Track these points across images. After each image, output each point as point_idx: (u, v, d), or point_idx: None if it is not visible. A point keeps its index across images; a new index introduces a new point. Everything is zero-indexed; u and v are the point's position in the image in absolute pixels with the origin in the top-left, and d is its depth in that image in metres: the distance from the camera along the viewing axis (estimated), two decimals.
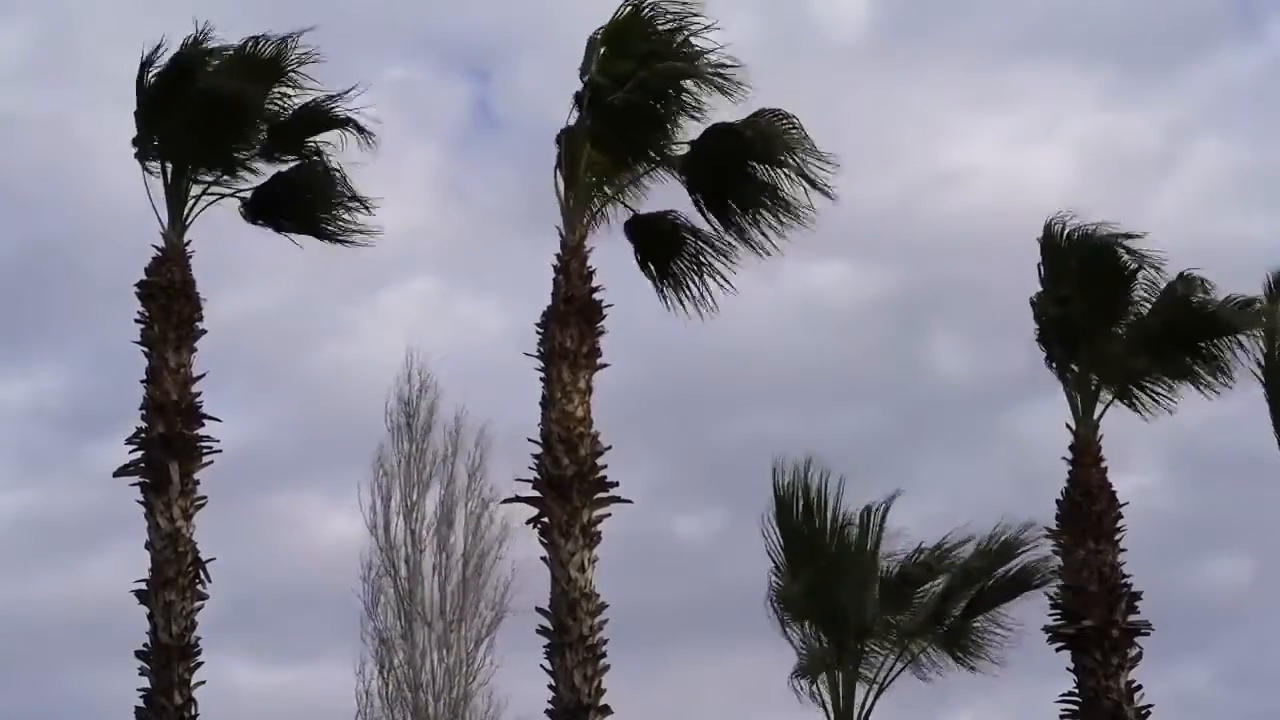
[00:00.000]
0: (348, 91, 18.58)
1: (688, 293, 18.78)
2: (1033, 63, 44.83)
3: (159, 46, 18.27)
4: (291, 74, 18.63)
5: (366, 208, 19.09)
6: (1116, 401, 19.54)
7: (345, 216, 19.24)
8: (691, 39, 17.83)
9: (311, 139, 19.01)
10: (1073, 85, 44.30)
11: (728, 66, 17.64)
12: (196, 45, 18.28)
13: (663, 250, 18.73)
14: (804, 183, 17.88)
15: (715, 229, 18.48)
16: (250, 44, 18.44)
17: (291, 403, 39.88)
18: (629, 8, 17.83)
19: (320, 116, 18.80)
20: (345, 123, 18.69)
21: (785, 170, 17.98)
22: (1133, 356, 19.54)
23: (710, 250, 18.61)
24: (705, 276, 18.71)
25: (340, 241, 19.39)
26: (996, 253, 36.03)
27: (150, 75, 18.34)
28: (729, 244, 18.47)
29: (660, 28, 17.87)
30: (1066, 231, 19.52)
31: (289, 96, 18.77)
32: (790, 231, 18.26)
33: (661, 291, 18.83)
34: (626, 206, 18.59)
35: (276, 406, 39.22)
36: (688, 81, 17.77)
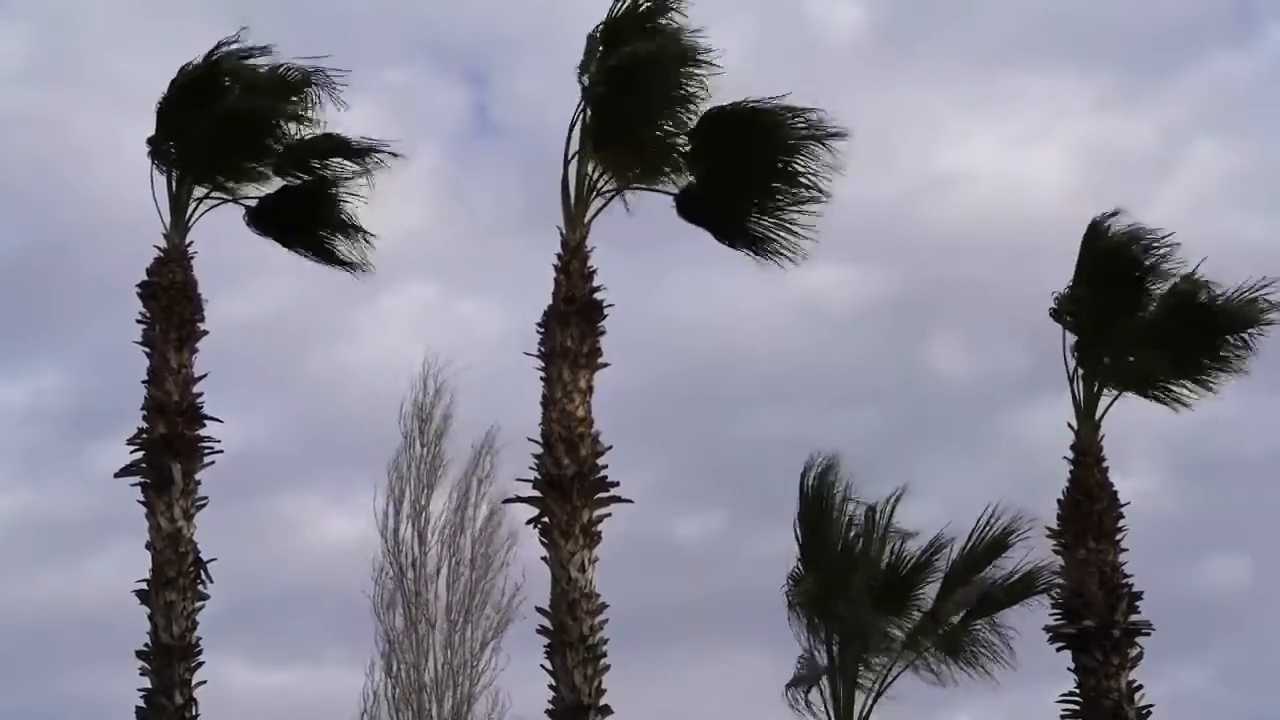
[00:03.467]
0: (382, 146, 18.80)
1: (771, 247, 18.45)
2: (1030, 66, 44.90)
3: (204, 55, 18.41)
4: (315, 100, 18.75)
5: (367, 238, 19.28)
6: (1121, 399, 19.56)
7: (345, 241, 19.33)
8: (682, 27, 17.82)
9: (327, 162, 19.11)
10: (1070, 88, 44.40)
11: (701, 47, 17.63)
12: (227, 57, 18.40)
13: (737, 216, 18.42)
14: (813, 155, 17.80)
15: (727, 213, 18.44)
16: (281, 67, 18.57)
17: (291, 405, 39.87)
18: (623, 5, 17.84)
19: (340, 145, 18.89)
20: (365, 153, 18.80)
21: (792, 146, 17.88)
22: (1139, 355, 19.56)
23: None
24: (778, 226, 18.38)
25: (337, 264, 19.46)
26: (995, 254, 36.17)
27: (179, 80, 18.41)
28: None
29: (656, 21, 17.84)
30: (1102, 229, 19.50)
31: (310, 119, 18.85)
32: (801, 214, 18.21)
33: (755, 255, 18.53)
34: (659, 191, 18.33)
35: (276, 409, 39.21)
36: (676, 67, 17.66)
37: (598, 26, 17.86)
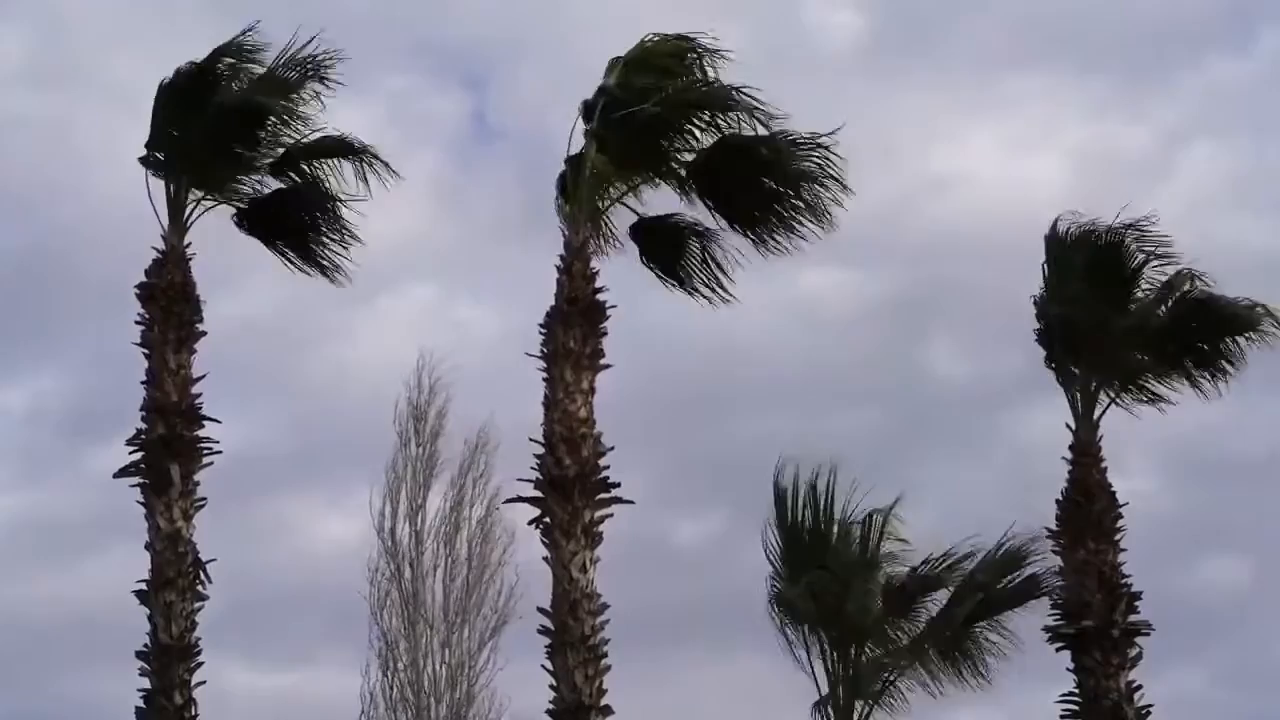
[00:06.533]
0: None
1: (693, 289, 18.93)
2: (1028, 69, 45.00)
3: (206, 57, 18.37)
4: (313, 96, 18.69)
5: (350, 245, 19.22)
6: (1117, 401, 19.57)
7: (333, 248, 19.27)
8: (710, 67, 18.00)
9: (323, 161, 19.07)
10: (1068, 91, 44.50)
11: (755, 92, 17.65)
12: (222, 57, 18.36)
13: (669, 251, 18.86)
14: (818, 196, 17.93)
15: (723, 230, 18.60)
16: (276, 63, 18.51)
17: (289, 407, 39.89)
18: (654, 37, 17.94)
19: (337, 144, 18.84)
20: (362, 153, 18.75)
21: (801, 187, 18.01)
22: (1135, 355, 19.57)
23: (717, 249, 18.76)
24: (712, 274, 18.85)
25: (323, 270, 19.38)
26: (994, 256, 36.19)
27: (173, 82, 18.34)
28: (735, 246, 18.64)
29: (683, 55, 17.99)
30: (1072, 230, 19.56)
31: (307, 117, 18.83)
32: (799, 240, 18.37)
33: (670, 287, 19.01)
34: (630, 209, 18.67)
35: (274, 410, 39.22)
36: (710, 109, 17.83)
37: (616, 57, 17.95)
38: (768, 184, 18.13)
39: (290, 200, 19.19)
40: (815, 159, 17.77)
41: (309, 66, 18.49)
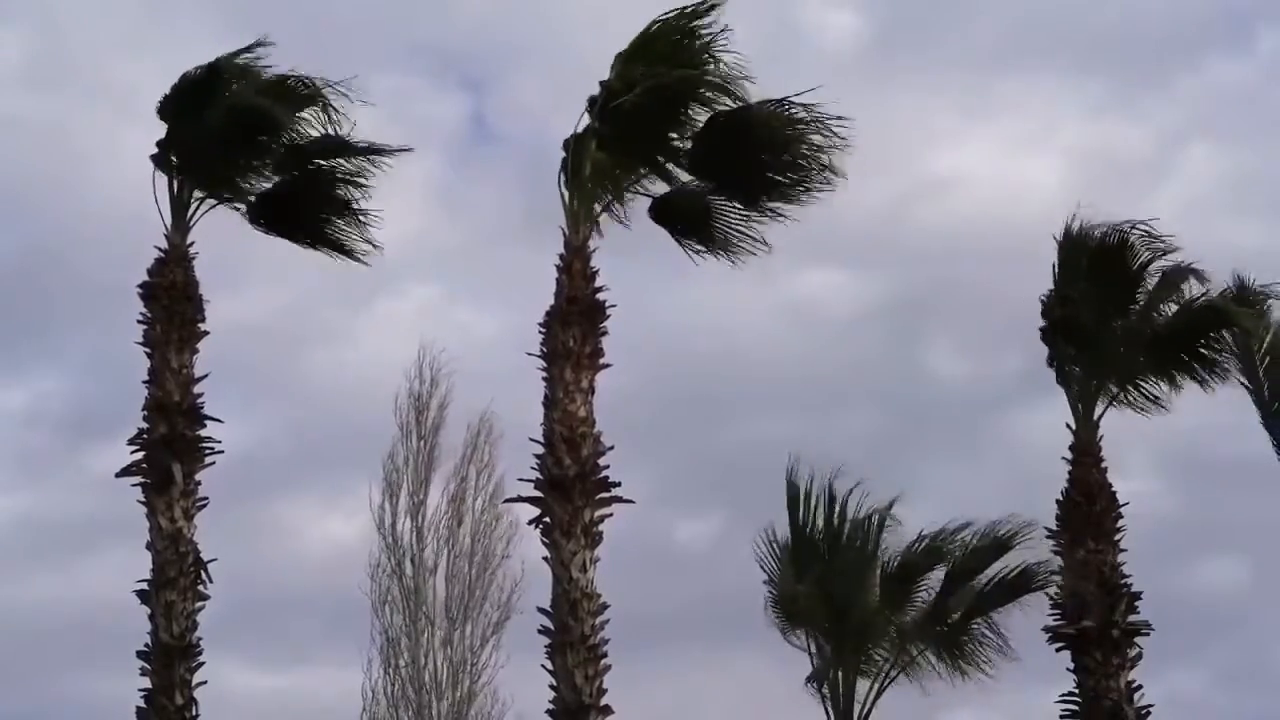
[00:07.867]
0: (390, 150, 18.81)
1: (731, 252, 18.78)
2: (1026, 71, 45.06)
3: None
4: (326, 113, 18.76)
5: (371, 226, 19.25)
6: (1117, 401, 19.58)
7: (349, 228, 19.30)
8: (709, 50, 17.98)
9: (329, 162, 19.12)
10: (1066, 93, 44.56)
11: (739, 77, 17.78)
12: (233, 62, 18.40)
13: (698, 219, 18.70)
14: (817, 141, 17.91)
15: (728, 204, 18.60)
16: (290, 79, 18.59)
17: (289, 408, 39.93)
18: (655, 24, 17.94)
19: (343, 145, 18.87)
20: (369, 153, 18.79)
21: (796, 138, 18.00)
22: (1134, 354, 19.58)
23: (745, 209, 18.65)
24: (745, 235, 18.69)
25: (343, 253, 19.42)
26: (992, 258, 36.29)
27: (183, 82, 18.39)
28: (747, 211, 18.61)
29: (681, 41, 18.01)
30: (1081, 229, 19.58)
31: (314, 125, 18.87)
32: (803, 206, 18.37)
33: (708, 256, 18.85)
34: (645, 194, 18.55)
35: (274, 412, 39.27)
36: (702, 89, 17.85)
37: (621, 52, 17.97)
38: (766, 151, 18.11)
39: (302, 189, 19.21)
40: (810, 120, 17.80)
41: (325, 88, 18.58)
